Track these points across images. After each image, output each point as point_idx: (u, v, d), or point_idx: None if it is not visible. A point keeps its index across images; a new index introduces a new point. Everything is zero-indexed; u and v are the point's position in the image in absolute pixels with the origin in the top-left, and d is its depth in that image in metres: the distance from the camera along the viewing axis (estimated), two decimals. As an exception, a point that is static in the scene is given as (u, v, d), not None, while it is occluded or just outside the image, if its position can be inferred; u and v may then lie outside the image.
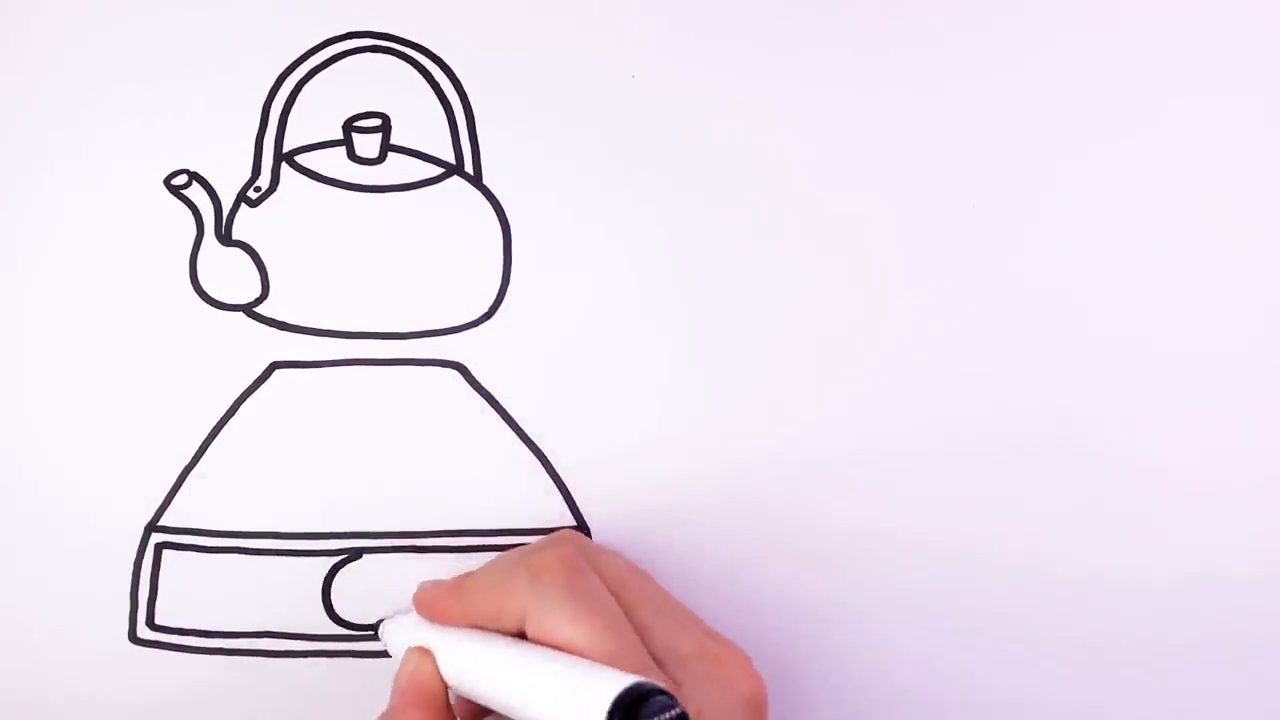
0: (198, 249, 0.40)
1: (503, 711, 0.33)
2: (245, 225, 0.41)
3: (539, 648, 0.33)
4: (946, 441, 0.41)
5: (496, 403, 0.41)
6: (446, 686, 0.35)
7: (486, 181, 0.41)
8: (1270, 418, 0.42)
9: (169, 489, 0.40)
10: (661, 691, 0.28)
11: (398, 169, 0.41)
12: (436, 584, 0.36)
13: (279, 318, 0.41)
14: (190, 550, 0.40)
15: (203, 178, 0.40)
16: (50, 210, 0.40)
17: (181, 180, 0.40)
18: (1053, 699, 0.41)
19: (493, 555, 0.40)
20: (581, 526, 0.40)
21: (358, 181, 0.41)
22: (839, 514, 0.41)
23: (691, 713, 0.32)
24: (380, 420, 0.40)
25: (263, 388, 0.40)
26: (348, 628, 0.40)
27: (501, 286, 0.41)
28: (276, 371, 0.40)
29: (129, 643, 0.40)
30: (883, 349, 0.41)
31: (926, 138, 0.42)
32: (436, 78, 0.41)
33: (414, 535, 0.40)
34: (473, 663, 0.34)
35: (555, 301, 0.41)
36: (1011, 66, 0.42)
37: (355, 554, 0.40)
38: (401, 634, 0.37)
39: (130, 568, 0.40)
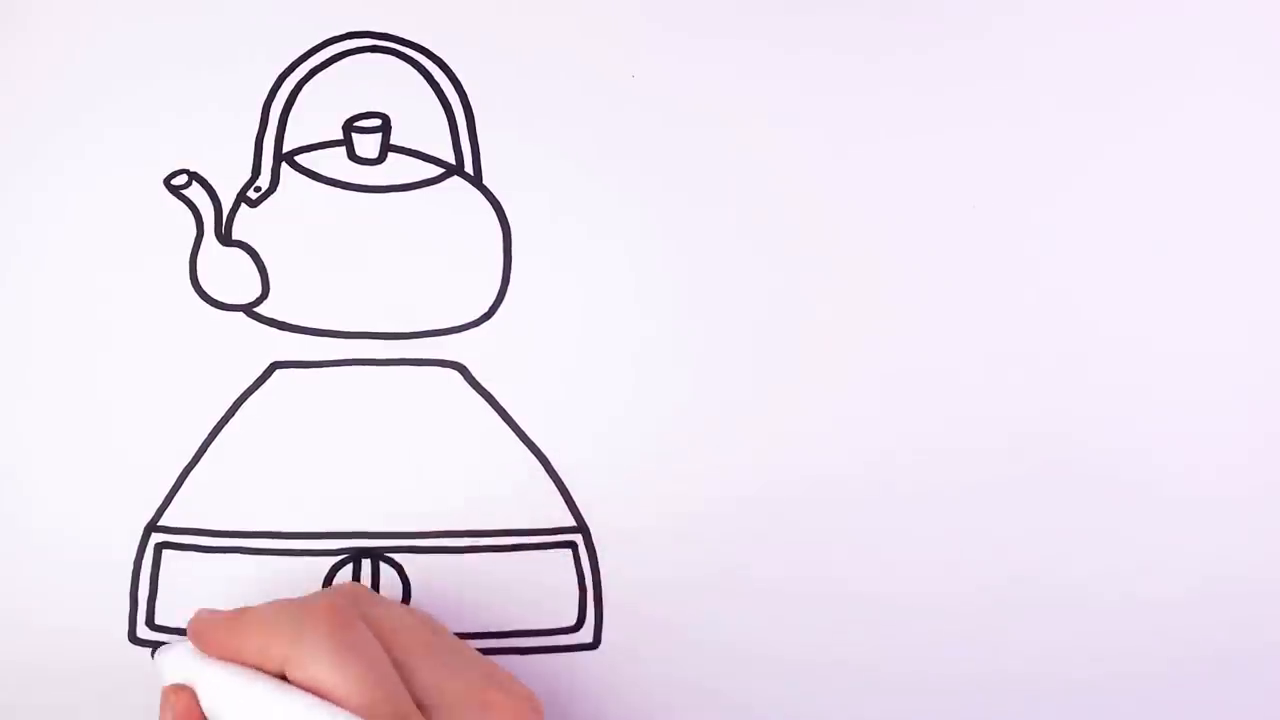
0: (198, 249, 0.40)
1: None
2: (245, 225, 0.41)
3: (298, 692, 0.33)
4: (946, 442, 0.41)
5: (496, 403, 0.41)
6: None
7: (486, 181, 0.41)
8: (1272, 421, 0.42)
9: (169, 489, 0.40)
10: None
11: (398, 169, 0.41)
12: (213, 614, 0.36)
13: (279, 318, 0.41)
14: (190, 550, 0.40)
15: (203, 178, 0.40)
16: (51, 210, 0.40)
17: (181, 180, 0.40)
18: (1055, 703, 0.41)
19: (491, 555, 0.40)
20: (581, 527, 0.40)
21: (358, 181, 0.41)
22: (838, 514, 0.41)
23: None
24: (380, 420, 0.40)
25: (263, 388, 0.40)
26: (348, 628, 0.40)
27: (501, 286, 0.41)
28: (276, 371, 0.40)
29: (129, 643, 0.40)
30: (883, 349, 0.41)
31: (926, 138, 0.42)
32: (436, 78, 0.41)
33: (414, 535, 0.40)
34: (230, 700, 0.34)
35: (555, 301, 0.41)
36: (1012, 68, 0.42)
37: (355, 554, 0.40)
38: (173, 662, 0.37)
39: (130, 568, 0.40)
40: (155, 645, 0.40)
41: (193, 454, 0.40)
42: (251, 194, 0.41)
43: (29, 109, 0.40)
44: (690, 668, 0.41)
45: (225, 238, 0.40)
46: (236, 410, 0.40)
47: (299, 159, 0.41)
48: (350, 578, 0.40)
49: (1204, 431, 0.42)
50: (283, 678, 0.34)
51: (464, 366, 0.41)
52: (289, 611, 0.35)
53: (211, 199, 0.40)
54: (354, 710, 0.32)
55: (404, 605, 0.38)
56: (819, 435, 0.41)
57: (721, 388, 0.41)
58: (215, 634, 0.36)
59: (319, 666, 0.33)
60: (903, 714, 0.41)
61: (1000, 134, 0.42)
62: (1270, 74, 0.42)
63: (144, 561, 0.40)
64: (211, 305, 0.40)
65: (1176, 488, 0.42)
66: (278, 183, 0.41)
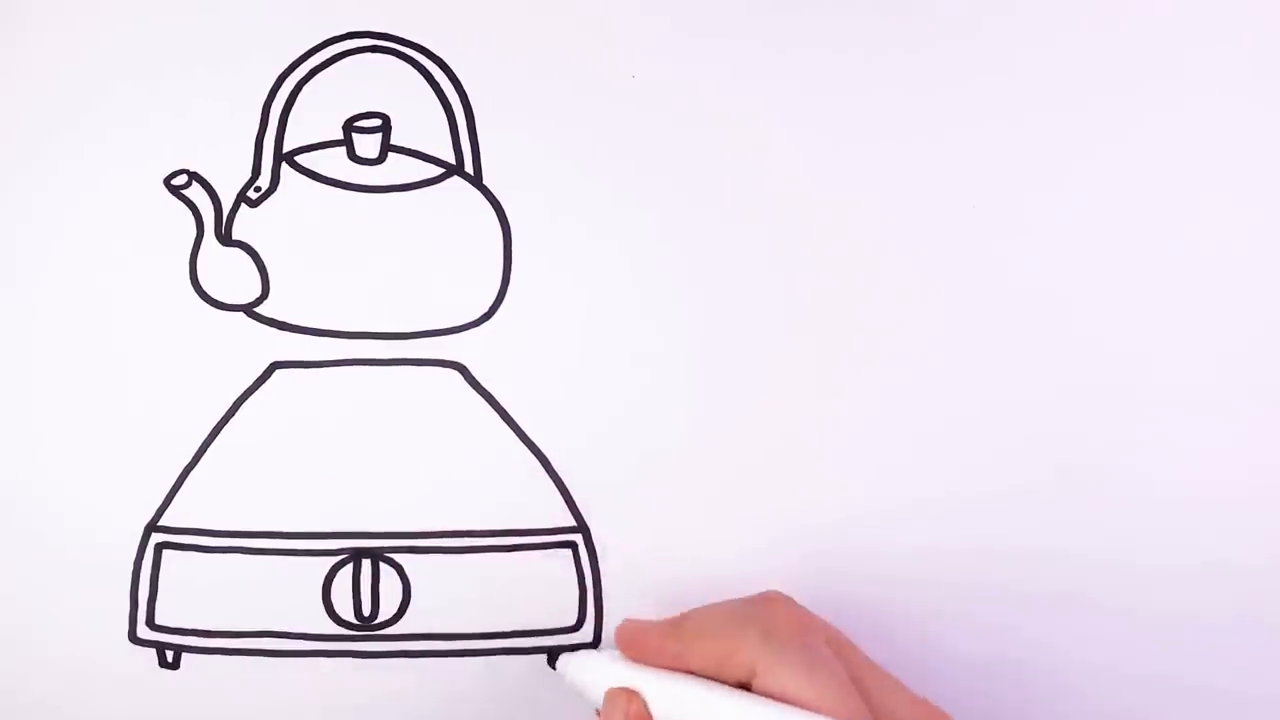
0: (198, 249, 0.40)
1: None
2: (245, 225, 0.41)
3: (769, 701, 0.33)
4: (946, 442, 0.41)
5: (496, 403, 0.41)
6: None
7: (486, 181, 0.41)
8: (1273, 421, 0.42)
9: (169, 489, 0.40)
10: None
11: (398, 169, 0.41)
12: (645, 623, 0.36)
13: (279, 318, 0.41)
14: (190, 550, 0.40)
15: (203, 178, 0.40)
16: (51, 210, 0.40)
17: (181, 180, 0.40)
18: (1057, 702, 0.42)
19: (491, 555, 0.40)
20: (581, 527, 0.40)
21: (358, 181, 0.41)
22: (840, 511, 0.41)
23: None
24: (380, 420, 0.40)
25: (263, 388, 0.40)
26: (348, 628, 0.40)
27: (501, 286, 0.41)
28: (276, 371, 0.40)
29: (129, 643, 0.40)
30: (883, 349, 0.41)
31: (926, 138, 0.42)
32: (436, 78, 0.41)
33: (414, 535, 0.40)
34: (695, 710, 0.34)
35: (555, 301, 0.41)
36: (1012, 67, 0.42)
37: (355, 554, 0.40)
38: (599, 671, 0.36)
39: (130, 568, 0.40)
40: (156, 645, 0.40)
41: (193, 454, 0.40)
42: (251, 194, 0.41)
43: (29, 109, 0.40)
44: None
45: (225, 238, 0.40)
46: (236, 410, 0.40)
47: (299, 159, 0.41)
48: (350, 578, 0.40)
49: (1204, 431, 0.42)
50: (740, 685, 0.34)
51: (464, 366, 0.41)
52: (751, 619, 0.35)
53: (211, 199, 0.40)
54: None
55: (824, 619, 0.38)
56: (818, 434, 0.41)
57: (721, 387, 0.41)
58: (659, 642, 0.35)
59: (792, 675, 0.33)
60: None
61: (1001, 134, 0.42)
62: (1265, 71, 0.42)
63: (144, 561, 0.40)
64: (211, 305, 0.40)
65: (1177, 486, 0.41)
66: (278, 183, 0.41)
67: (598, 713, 0.36)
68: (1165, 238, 0.42)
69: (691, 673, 0.35)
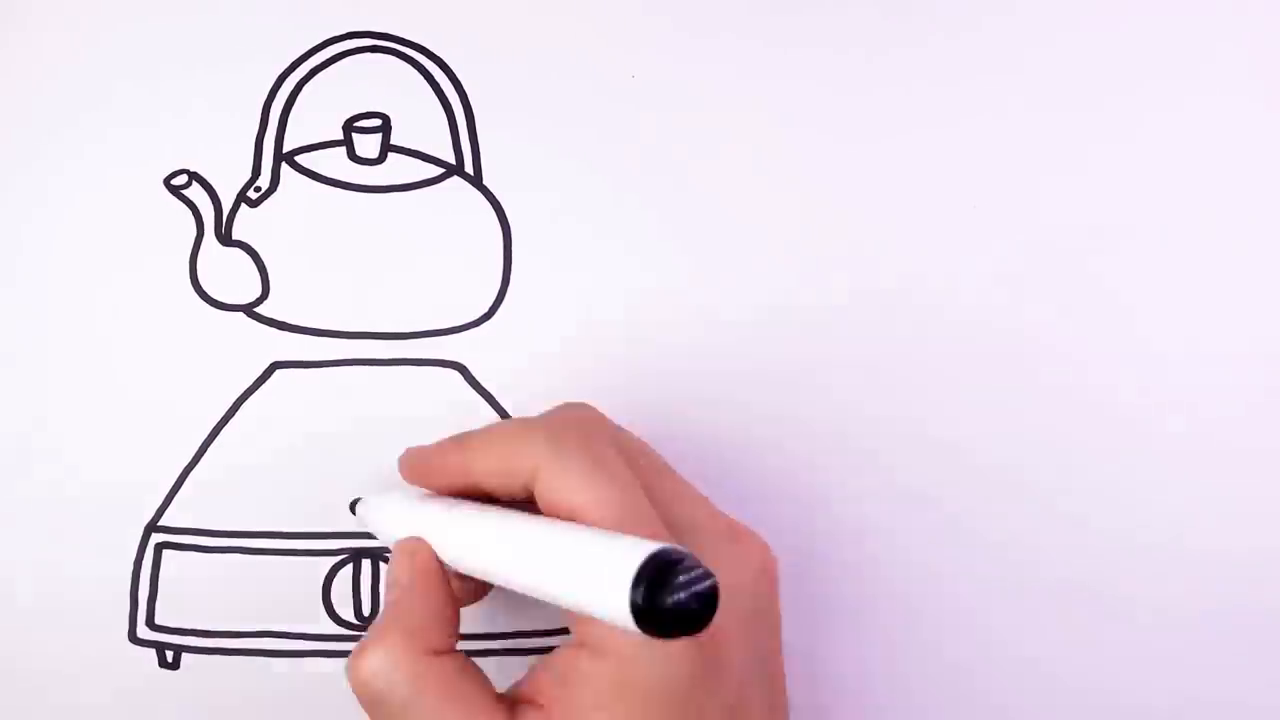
0: (198, 249, 0.40)
1: (513, 588, 0.31)
2: (245, 225, 0.41)
3: (551, 520, 0.31)
4: (946, 442, 0.41)
5: (496, 403, 0.41)
6: (445, 571, 0.34)
7: (486, 181, 0.41)
8: (1273, 419, 0.42)
9: (169, 489, 0.40)
10: (689, 557, 0.26)
11: (398, 169, 0.41)
12: (427, 446, 0.35)
13: (279, 318, 0.41)
14: (190, 550, 0.40)
15: (203, 178, 0.40)
16: (51, 210, 0.40)
17: (181, 180, 0.40)
18: (1056, 703, 0.42)
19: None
20: (581, 526, 0.40)
21: (358, 181, 0.41)
22: (838, 513, 0.41)
23: None
24: (380, 420, 0.40)
25: (263, 388, 0.40)
26: (348, 628, 0.40)
27: (501, 286, 0.41)
28: (276, 371, 0.40)
29: (129, 643, 0.40)
30: (883, 348, 0.41)
31: (927, 138, 0.42)
32: (436, 78, 0.41)
33: (414, 535, 0.40)
34: (477, 539, 0.32)
35: (555, 301, 0.41)
36: (1013, 66, 0.42)
37: (355, 554, 0.40)
38: (388, 515, 0.35)
39: (130, 568, 0.40)
40: (156, 645, 0.40)
41: (193, 454, 0.40)
42: (251, 194, 0.41)
43: (29, 109, 0.40)
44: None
45: (225, 238, 0.40)
46: (236, 410, 0.40)
47: (299, 159, 0.41)
48: (350, 578, 0.40)
49: (1204, 430, 0.42)
50: (521, 500, 0.32)
51: (464, 366, 0.41)
52: (534, 425, 0.33)
53: (211, 199, 0.40)
54: (609, 530, 0.30)
55: (629, 431, 0.36)
56: (818, 433, 0.41)
57: (721, 387, 0.41)
58: (438, 459, 0.34)
59: (578, 487, 0.31)
60: (901, 711, 0.41)
61: (1001, 134, 0.42)
62: (1268, 69, 0.42)
63: (144, 561, 0.40)
64: (211, 305, 0.40)
65: (1178, 487, 0.41)
66: (278, 183, 0.41)
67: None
68: (1170, 236, 0.42)
69: (478, 488, 0.33)
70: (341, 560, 0.40)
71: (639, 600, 0.26)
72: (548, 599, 0.29)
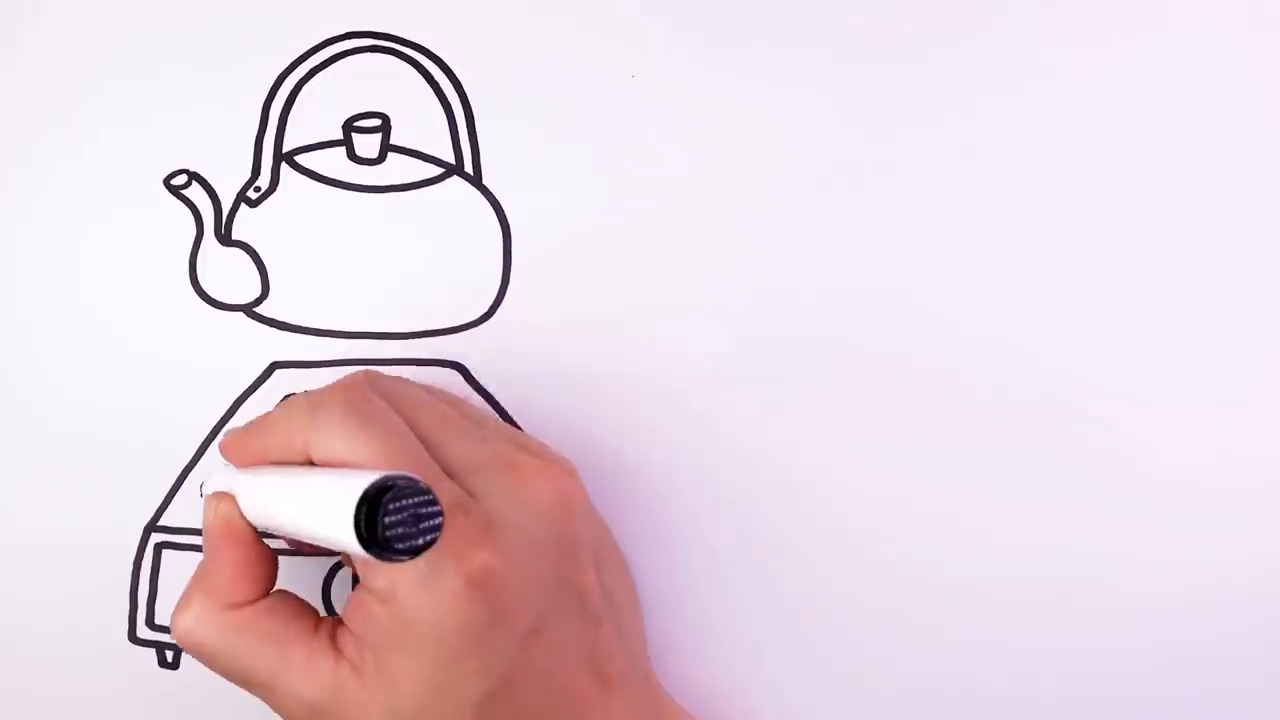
0: (198, 249, 0.40)
1: (285, 534, 0.34)
2: (245, 225, 0.41)
3: (314, 468, 0.33)
4: (946, 443, 0.41)
5: (496, 403, 0.41)
6: (251, 526, 0.35)
7: (486, 181, 0.41)
8: (1273, 421, 0.42)
9: (169, 489, 0.40)
10: (410, 480, 0.28)
11: (398, 169, 0.41)
12: (237, 428, 0.36)
13: (279, 318, 0.41)
14: (190, 550, 0.40)
15: (203, 178, 0.40)
16: (51, 210, 0.40)
17: (181, 180, 0.40)
18: (1046, 697, 0.42)
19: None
20: (581, 526, 0.40)
21: (358, 181, 0.41)
22: (839, 513, 0.41)
23: (482, 519, 0.33)
24: (380, 420, 0.40)
25: (263, 388, 0.40)
26: (348, 628, 0.40)
27: (501, 286, 0.41)
28: (276, 371, 0.40)
29: (129, 643, 0.40)
30: (884, 347, 0.41)
31: (927, 138, 0.42)
32: (436, 78, 0.41)
33: (414, 535, 0.40)
34: (258, 493, 0.34)
35: (555, 301, 0.41)
36: (1013, 67, 0.42)
37: (355, 554, 0.40)
38: (213, 484, 0.37)
39: (130, 568, 0.40)
40: (156, 645, 0.40)
41: (193, 454, 0.40)
42: (251, 194, 0.41)
43: (29, 109, 0.40)
44: (692, 667, 0.41)
45: (225, 238, 0.40)
46: (236, 410, 0.40)
47: (299, 159, 0.41)
48: (350, 578, 0.40)
49: (1204, 429, 0.42)
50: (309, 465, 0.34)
51: (464, 366, 0.41)
52: (304, 399, 0.35)
53: (211, 199, 0.40)
54: None
55: (422, 384, 0.37)
56: (819, 433, 0.41)
57: (722, 387, 0.41)
58: (240, 442, 0.36)
59: (337, 441, 0.33)
60: (898, 714, 0.41)
61: (1002, 134, 0.42)
62: (1269, 71, 0.42)
63: (144, 561, 0.40)
64: (211, 305, 0.40)
65: (1178, 487, 0.41)
66: (278, 183, 0.41)
67: None
68: (1171, 237, 0.42)
69: (272, 462, 0.35)
70: (341, 560, 0.40)
71: (360, 526, 0.28)
72: (314, 540, 0.31)
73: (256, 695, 0.35)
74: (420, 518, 0.28)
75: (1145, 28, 0.42)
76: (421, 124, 0.41)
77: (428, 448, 0.34)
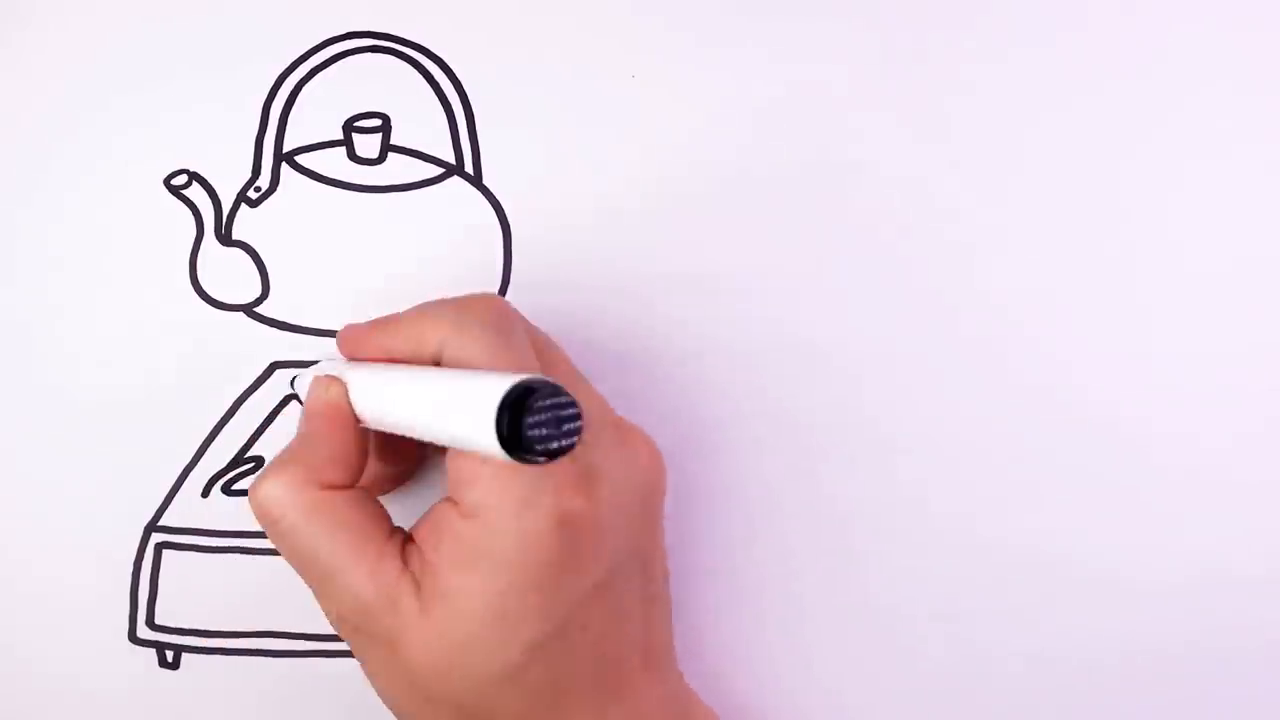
0: (198, 249, 0.40)
1: (407, 433, 0.33)
2: (245, 225, 0.41)
3: (436, 369, 0.33)
4: (947, 442, 0.41)
5: (496, 403, 0.41)
6: (356, 415, 0.35)
7: (486, 181, 0.41)
8: (1273, 417, 0.42)
9: (169, 489, 0.40)
10: (553, 384, 0.28)
11: (398, 169, 0.41)
12: (360, 324, 0.36)
13: (279, 318, 0.41)
14: (190, 550, 0.40)
15: (203, 178, 0.40)
16: (50, 210, 0.40)
17: (181, 180, 0.40)
18: (1053, 691, 0.42)
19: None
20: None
21: (358, 181, 0.41)
22: (840, 513, 0.41)
23: (584, 466, 0.33)
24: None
25: (263, 388, 0.40)
26: (348, 628, 0.40)
27: (501, 286, 0.41)
28: (277, 371, 0.40)
29: (129, 643, 0.40)
30: (885, 347, 0.41)
31: (928, 138, 0.42)
32: (436, 78, 0.41)
33: (414, 535, 0.40)
34: (378, 388, 0.34)
35: (555, 301, 0.41)
36: (1013, 67, 0.42)
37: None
38: (317, 372, 0.37)
39: (130, 568, 0.40)
40: (156, 645, 0.40)
41: (193, 454, 0.40)
42: (251, 194, 0.41)
43: (29, 109, 0.40)
44: (694, 667, 0.41)
45: (225, 238, 0.41)
46: (237, 410, 0.40)
47: (299, 159, 0.41)
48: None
49: (1204, 426, 0.42)
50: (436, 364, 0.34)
51: (464, 366, 0.41)
52: (446, 303, 0.35)
53: (211, 199, 0.40)
54: None
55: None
56: (819, 433, 0.41)
57: (722, 387, 0.41)
58: (364, 333, 0.36)
59: (477, 350, 0.33)
60: (898, 707, 0.41)
61: (1001, 133, 0.42)
62: (1270, 71, 0.42)
63: (144, 561, 0.40)
64: (211, 305, 0.40)
65: (1179, 487, 0.42)
66: (278, 183, 0.41)
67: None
68: (1172, 237, 0.42)
69: (395, 360, 0.35)
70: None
71: (502, 425, 0.27)
72: (439, 439, 0.31)
73: (308, 581, 0.34)
74: (561, 420, 0.28)
75: (1145, 28, 0.42)
76: (421, 124, 0.41)
77: None
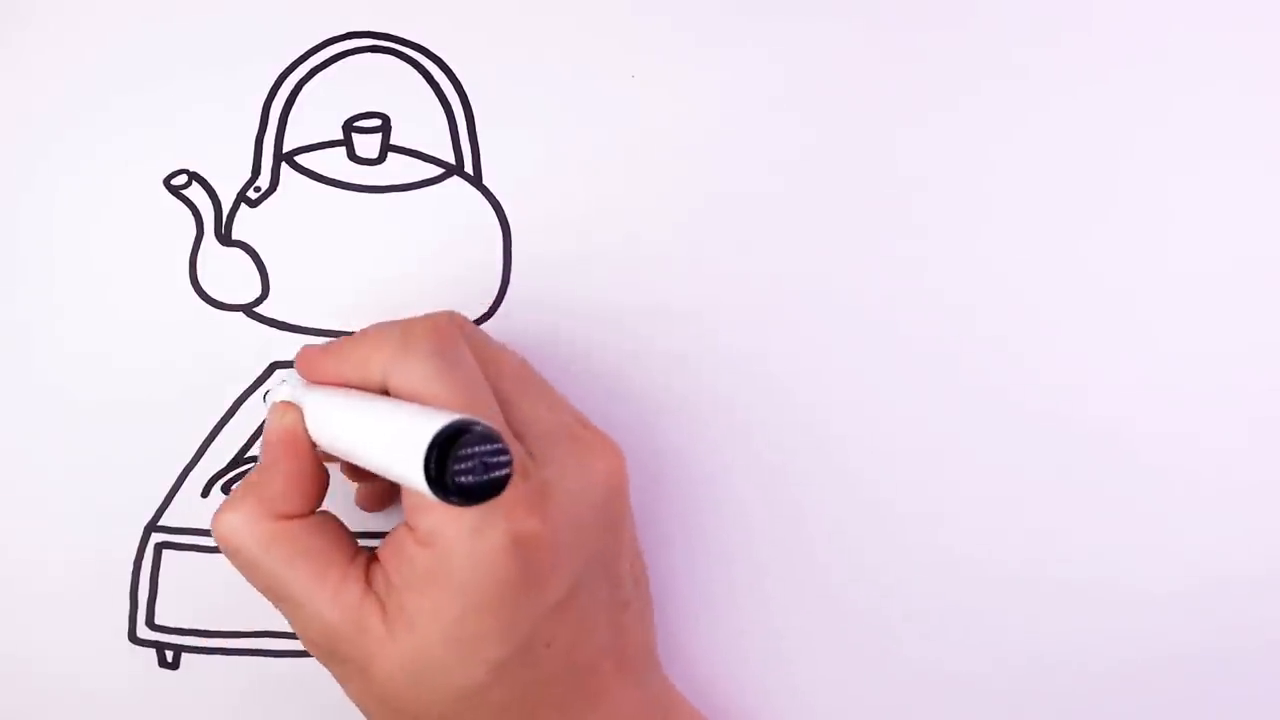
0: (198, 249, 0.40)
1: (350, 459, 0.33)
2: (245, 225, 0.41)
3: (389, 398, 0.33)
4: (943, 443, 0.41)
5: (496, 403, 0.41)
6: (312, 441, 0.35)
7: (486, 181, 0.41)
8: (1273, 417, 0.42)
9: (169, 489, 0.40)
10: (487, 428, 0.28)
11: (398, 169, 0.41)
12: (314, 345, 0.37)
13: (279, 318, 0.41)
14: (190, 550, 0.40)
15: (203, 178, 0.40)
16: (51, 210, 0.40)
17: (181, 180, 0.40)
18: (1050, 695, 0.42)
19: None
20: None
21: (358, 181, 0.41)
22: (842, 514, 0.41)
23: (538, 485, 0.33)
24: (380, 420, 0.40)
25: (262, 388, 0.40)
26: (348, 628, 0.40)
27: (501, 286, 0.41)
28: (276, 371, 0.40)
29: (129, 643, 0.40)
30: (886, 346, 0.41)
31: (926, 137, 0.42)
32: (436, 78, 0.41)
33: (414, 535, 0.40)
34: (328, 413, 0.34)
35: (555, 301, 0.41)
36: (1012, 67, 0.42)
37: (355, 554, 0.40)
38: (277, 396, 0.37)
39: (130, 568, 0.40)
40: (156, 645, 0.40)
41: (193, 454, 0.40)
42: (251, 194, 0.41)
43: (29, 109, 0.40)
44: (695, 667, 0.41)
45: (225, 238, 0.40)
46: (236, 410, 0.40)
47: (299, 159, 0.41)
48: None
49: (1204, 426, 0.42)
50: (383, 393, 0.34)
51: (464, 366, 0.41)
52: (392, 327, 0.35)
53: (211, 199, 0.40)
54: None
55: (498, 342, 0.37)
56: (820, 433, 0.41)
57: (722, 387, 0.41)
58: (318, 357, 0.36)
59: (419, 377, 0.33)
60: (899, 708, 0.41)
61: (1001, 134, 0.42)
62: (1270, 71, 0.42)
63: (144, 561, 0.40)
64: (211, 305, 0.40)
65: (1179, 487, 0.41)
66: (278, 183, 0.41)
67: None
68: (1172, 237, 0.42)
69: (347, 384, 0.35)
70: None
71: (430, 464, 0.28)
72: (376, 469, 0.31)
73: (281, 610, 0.35)
74: (489, 466, 0.28)
75: (1146, 28, 0.42)
76: (421, 124, 0.41)
77: (498, 401, 0.34)
